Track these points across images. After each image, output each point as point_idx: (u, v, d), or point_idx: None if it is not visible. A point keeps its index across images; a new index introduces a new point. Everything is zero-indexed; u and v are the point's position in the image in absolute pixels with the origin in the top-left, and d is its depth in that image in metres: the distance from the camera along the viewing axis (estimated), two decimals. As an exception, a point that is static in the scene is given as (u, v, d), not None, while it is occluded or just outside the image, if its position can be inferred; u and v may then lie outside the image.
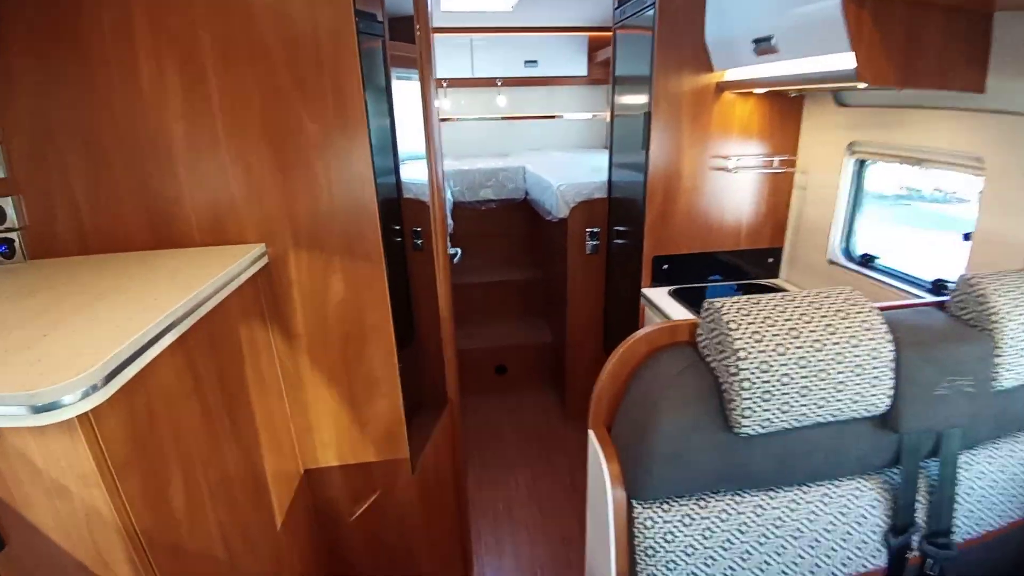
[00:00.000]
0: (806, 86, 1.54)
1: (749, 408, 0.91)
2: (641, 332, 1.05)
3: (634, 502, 0.98)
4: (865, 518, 1.02)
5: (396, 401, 1.31)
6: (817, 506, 1.01)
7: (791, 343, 0.92)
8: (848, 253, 1.95)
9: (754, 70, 1.67)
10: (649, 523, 0.97)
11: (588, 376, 2.79)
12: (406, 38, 1.38)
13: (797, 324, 0.93)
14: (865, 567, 1.03)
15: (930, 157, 1.53)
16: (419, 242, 1.56)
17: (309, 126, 1.15)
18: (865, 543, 1.02)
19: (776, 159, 2.04)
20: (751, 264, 2.22)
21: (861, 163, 1.83)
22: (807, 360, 0.91)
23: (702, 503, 0.98)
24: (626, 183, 2.31)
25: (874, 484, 1.04)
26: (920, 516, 1.03)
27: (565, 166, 3.10)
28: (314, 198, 1.19)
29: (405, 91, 1.42)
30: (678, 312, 1.89)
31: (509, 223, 3.73)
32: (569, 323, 2.78)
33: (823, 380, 0.92)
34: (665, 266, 2.15)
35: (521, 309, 3.66)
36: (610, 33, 3.61)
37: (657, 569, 0.97)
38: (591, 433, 1.09)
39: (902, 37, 1.23)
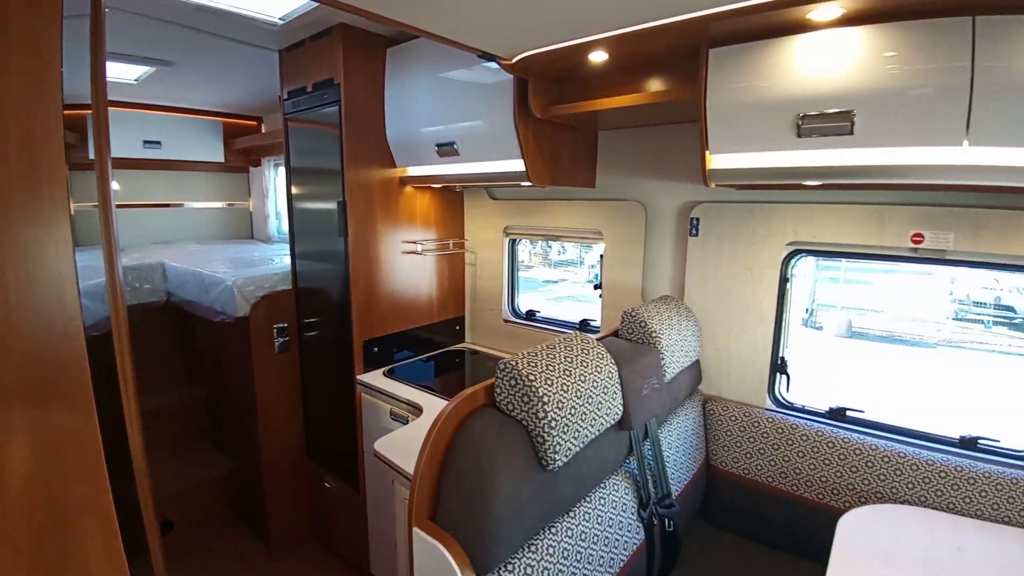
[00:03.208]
0: (478, 184, 1.92)
1: (558, 443, 1.07)
2: (447, 408, 1.08)
3: (485, 577, 0.98)
4: (625, 505, 1.31)
5: None
6: (598, 509, 1.24)
7: (568, 380, 1.13)
8: (515, 311, 2.44)
9: (435, 168, 1.97)
10: (504, 589, 0.98)
11: (292, 495, 2.46)
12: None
13: (566, 366, 1.16)
14: (634, 545, 1.32)
15: (565, 234, 2.15)
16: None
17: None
18: (629, 525, 1.31)
19: (451, 242, 2.40)
20: (444, 334, 2.48)
21: (513, 241, 2.37)
22: (580, 391, 1.15)
23: (533, 547, 1.07)
24: (318, 272, 2.24)
25: (623, 475, 1.35)
26: (651, 489, 1.40)
27: (220, 259, 2.72)
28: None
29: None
30: (405, 392, 1.92)
31: (146, 334, 2.95)
32: (262, 437, 2.39)
33: (590, 404, 1.17)
34: (375, 348, 2.17)
35: (180, 442, 2.90)
36: (252, 122, 3.49)
37: None
38: (417, 532, 1.03)
39: (548, 149, 1.73)
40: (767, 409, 1.71)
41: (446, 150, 1.83)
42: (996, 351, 6.38)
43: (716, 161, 1.35)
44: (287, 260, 2.43)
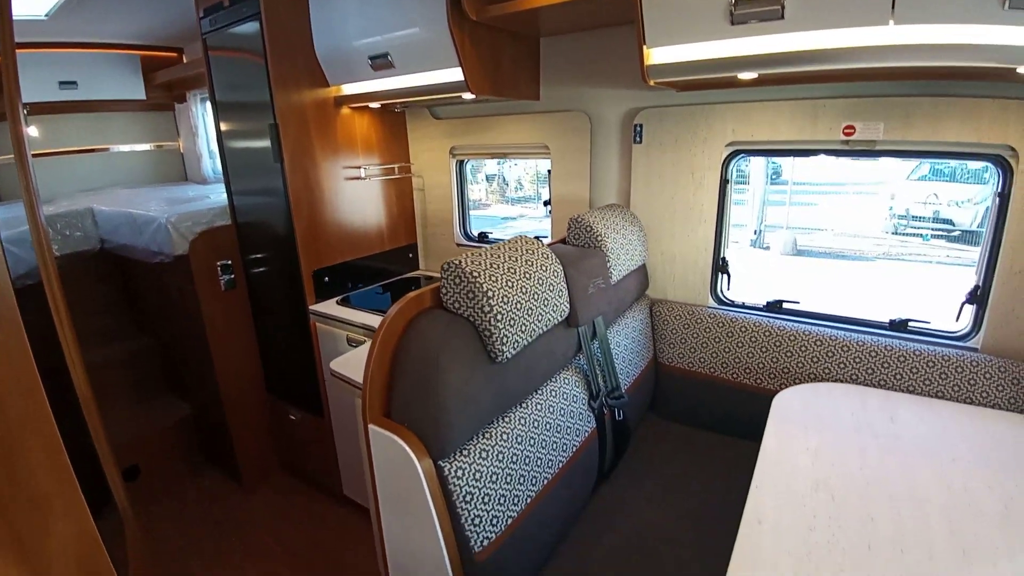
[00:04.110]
0: (417, 99, 1.84)
1: (505, 335, 1.10)
2: (394, 310, 1.09)
3: (441, 463, 1.03)
4: (576, 396, 1.38)
5: (84, 521, 0.87)
6: (550, 400, 1.30)
7: (513, 277, 1.15)
8: (467, 234, 2.43)
9: (371, 84, 1.87)
10: (461, 472, 1.04)
11: (258, 431, 2.48)
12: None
13: (511, 264, 1.18)
14: (586, 432, 1.40)
15: (512, 150, 2.11)
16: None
17: None
18: (581, 414, 1.39)
19: (396, 166, 2.33)
20: (397, 262, 2.46)
21: (461, 163, 2.32)
22: (526, 287, 1.17)
23: (487, 434, 1.12)
24: (257, 205, 2.15)
25: (573, 371, 1.41)
26: (601, 383, 1.47)
27: (152, 201, 2.57)
28: None
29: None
30: (360, 317, 1.92)
31: (87, 285, 2.81)
32: (219, 377, 2.37)
33: (537, 299, 1.20)
34: (326, 279, 2.14)
35: (137, 392, 2.84)
36: (172, 54, 3.21)
37: (473, 507, 1.05)
38: (373, 428, 1.06)
39: (488, 56, 1.66)
40: (709, 307, 1.80)
41: (380, 63, 1.74)
42: (934, 262, 6.80)
43: (654, 56, 1.33)
44: (224, 197, 2.33)
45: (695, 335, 1.75)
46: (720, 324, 1.71)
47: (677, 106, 1.70)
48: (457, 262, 1.10)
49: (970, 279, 1.50)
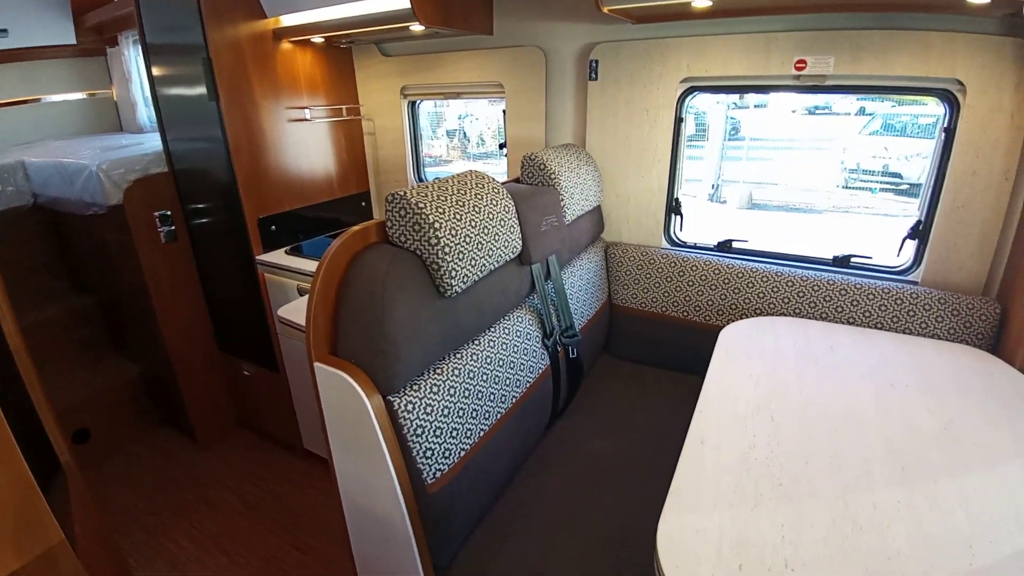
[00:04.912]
0: (363, 30, 1.73)
1: (454, 269, 1.07)
2: (336, 243, 1.04)
3: (390, 399, 1.01)
4: (530, 334, 1.38)
5: (16, 465, 0.82)
6: (503, 337, 1.29)
7: (462, 211, 1.12)
8: (421, 179, 2.36)
9: (312, 14, 1.74)
10: (410, 407, 1.03)
11: (211, 388, 2.41)
12: None
13: (459, 197, 1.14)
14: (540, 369, 1.41)
15: (465, 90, 2.03)
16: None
17: None
18: (535, 352, 1.39)
19: (344, 108, 2.22)
20: (348, 212, 2.37)
21: (413, 104, 2.22)
22: (475, 221, 1.14)
23: (438, 369, 1.11)
24: (195, 151, 2.01)
25: (526, 309, 1.41)
26: (555, 321, 1.47)
27: (84, 150, 2.38)
28: None
29: None
30: (311, 266, 1.85)
31: (20, 243, 2.62)
32: (166, 335, 2.27)
33: (487, 234, 1.17)
34: (273, 227, 2.04)
35: (80, 353, 2.70)
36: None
37: (424, 440, 1.05)
38: (319, 366, 1.03)
39: (437, -16, 1.56)
40: (663, 248, 1.82)
41: (320, -13, 1.62)
42: (881, 215, 7.06)
43: (606, -20, 1.28)
44: (159, 144, 2.17)
45: (648, 276, 1.77)
46: (672, 264, 1.73)
47: (633, 40, 1.65)
48: (402, 193, 1.05)
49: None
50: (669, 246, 1.84)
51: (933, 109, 1.42)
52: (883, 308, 1.47)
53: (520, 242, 1.30)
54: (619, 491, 1.28)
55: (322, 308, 1.04)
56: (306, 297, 1.61)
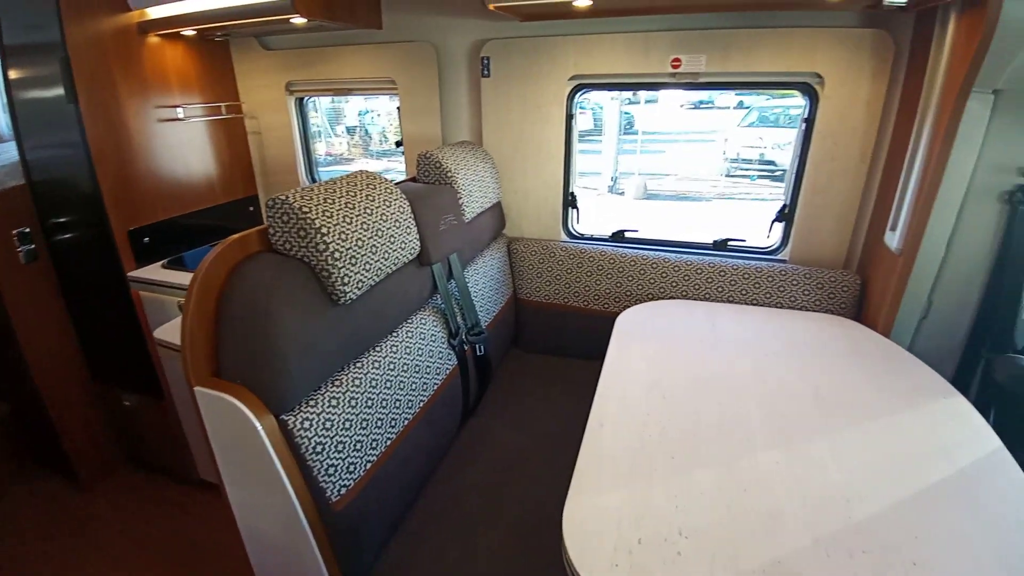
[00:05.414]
0: (238, 22, 1.61)
1: (346, 275, 1.03)
2: (212, 254, 0.96)
3: (284, 418, 0.95)
4: (435, 336, 1.37)
5: None
6: (406, 341, 1.27)
7: (352, 213, 1.08)
8: (314, 179, 2.25)
9: (180, 6, 1.58)
10: (307, 424, 0.98)
11: (89, 424, 2.15)
12: None
13: (349, 200, 1.10)
14: (447, 370, 1.40)
15: (356, 86, 1.95)
16: None
17: None
18: (441, 353, 1.38)
19: (223, 106, 2.05)
20: (235, 218, 2.21)
21: (301, 101, 2.11)
22: (367, 223, 1.10)
23: (337, 381, 1.07)
24: (55, 158, 1.76)
25: (430, 311, 1.39)
26: (460, 320, 1.47)
27: None
28: None
29: None
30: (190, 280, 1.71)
31: None
32: (33, 368, 1.98)
33: (381, 237, 1.14)
34: (146, 239, 1.85)
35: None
36: None
37: (325, 457, 1.00)
38: (200, 391, 0.95)
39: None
40: (562, 241, 1.87)
41: (182, -25, 1.48)
42: (759, 199, 7.76)
43: (488, -22, 1.28)
44: (16, 155, 1.88)
45: (550, 268, 1.82)
46: (571, 256, 1.79)
47: (522, 37, 1.68)
48: (284, 197, 0.99)
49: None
50: (568, 239, 1.90)
51: (800, 101, 1.57)
52: (757, 286, 1.62)
53: (418, 243, 1.28)
54: (532, 480, 1.31)
55: (199, 327, 0.96)
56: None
